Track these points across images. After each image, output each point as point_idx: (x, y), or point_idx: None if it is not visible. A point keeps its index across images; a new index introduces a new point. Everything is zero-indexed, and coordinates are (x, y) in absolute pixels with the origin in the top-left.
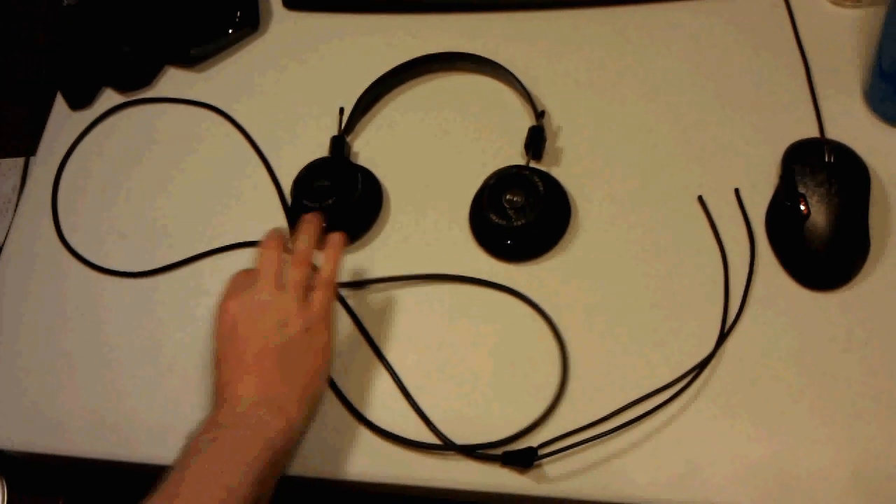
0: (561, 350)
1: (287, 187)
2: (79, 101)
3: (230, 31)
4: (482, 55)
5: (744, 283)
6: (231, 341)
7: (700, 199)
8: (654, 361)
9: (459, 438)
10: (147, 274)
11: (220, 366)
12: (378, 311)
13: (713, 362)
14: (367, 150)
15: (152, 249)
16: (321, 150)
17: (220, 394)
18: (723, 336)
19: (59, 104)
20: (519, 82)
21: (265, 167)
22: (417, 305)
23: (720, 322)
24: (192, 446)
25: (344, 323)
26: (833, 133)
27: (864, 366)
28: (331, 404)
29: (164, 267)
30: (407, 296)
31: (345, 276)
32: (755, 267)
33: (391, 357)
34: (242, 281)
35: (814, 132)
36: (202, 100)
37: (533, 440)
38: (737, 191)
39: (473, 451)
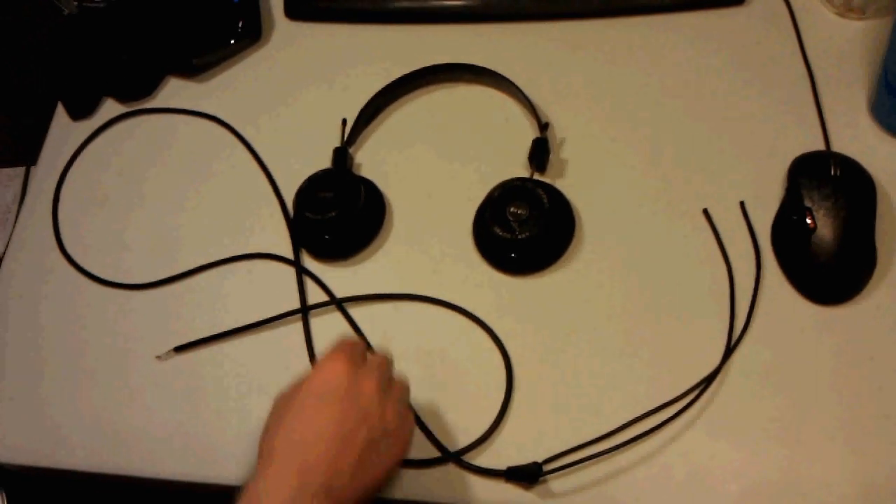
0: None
1: (289, 199)
2: (79, 111)
3: (232, 41)
4: (485, 66)
5: (750, 296)
6: (320, 405)
7: (705, 211)
8: (660, 376)
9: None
10: (149, 286)
11: (289, 425)
12: (379, 324)
13: (719, 377)
14: (370, 161)
15: (154, 260)
16: (324, 161)
17: (279, 461)
18: (729, 350)
19: (60, 114)
20: (523, 94)
21: (267, 179)
22: (420, 319)
23: (726, 336)
24: None
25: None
26: (839, 146)
27: (871, 380)
28: None
29: (167, 279)
30: (408, 309)
31: (346, 288)
32: (761, 281)
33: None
34: (354, 351)
35: (819, 145)
36: (204, 110)
37: (538, 455)
38: (742, 204)
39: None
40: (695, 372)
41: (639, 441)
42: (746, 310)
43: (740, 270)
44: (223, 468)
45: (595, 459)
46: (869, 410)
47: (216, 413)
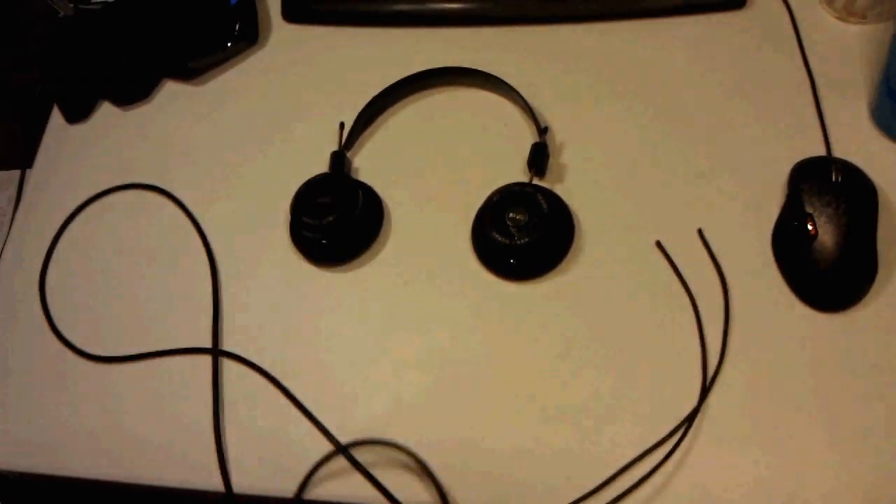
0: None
1: (286, 203)
2: (75, 114)
3: (229, 44)
4: (485, 70)
5: (747, 304)
6: None
7: (658, 244)
8: (661, 385)
9: None
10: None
11: None
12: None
13: (719, 387)
14: (368, 165)
15: (150, 265)
16: (321, 165)
17: None
18: (705, 389)
19: (56, 117)
20: (521, 98)
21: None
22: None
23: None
24: None
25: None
26: (840, 151)
27: (873, 388)
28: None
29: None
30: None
31: (342, 295)
32: (762, 291)
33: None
34: None
35: (820, 150)
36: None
37: None
38: (700, 232)
39: None
40: (695, 380)
41: (646, 456)
42: (745, 318)
43: (740, 278)
44: (218, 476)
45: None
46: (872, 417)
47: (208, 422)
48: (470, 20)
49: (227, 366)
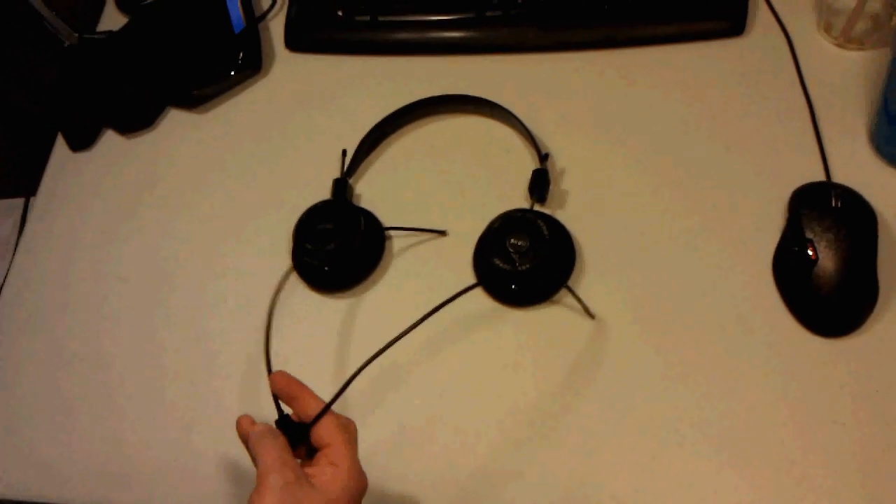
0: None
1: (290, 230)
2: (79, 142)
3: (233, 72)
4: (485, 98)
5: (747, 329)
6: None
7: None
8: (662, 410)
9: None
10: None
11: None
12: None
13: (717, 409)
14: (370, 192)
15: (154, 293)
16: (323, 192)
17: None
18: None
19: (60, 145)
20: (522, 125)
21: None
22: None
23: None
24: None
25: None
26: (839, 176)
27: (873, 414)
28: None
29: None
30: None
31: (345, 320)
32: (761, 312)
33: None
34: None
35: (820, 175)
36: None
37: None
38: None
39: None
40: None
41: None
42: (745, 342)
43: (741, 302)
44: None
45: None
46: (871, 444)
47: (211, 447)
48: (471, 48)
49: (229, 389)
